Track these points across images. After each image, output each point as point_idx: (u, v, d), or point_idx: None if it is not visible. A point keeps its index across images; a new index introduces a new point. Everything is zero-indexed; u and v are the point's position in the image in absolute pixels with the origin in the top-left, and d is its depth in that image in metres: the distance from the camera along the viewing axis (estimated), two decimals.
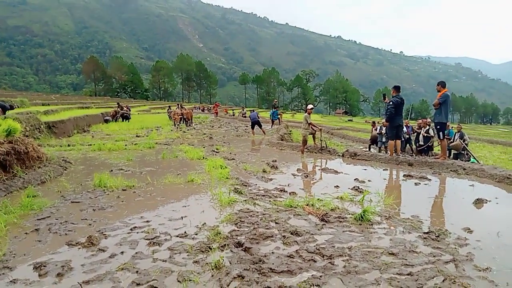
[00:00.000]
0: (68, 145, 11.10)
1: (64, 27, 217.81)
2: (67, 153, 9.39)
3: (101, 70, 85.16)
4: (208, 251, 3.23)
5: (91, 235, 3.52)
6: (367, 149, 13.14)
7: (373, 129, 14.98)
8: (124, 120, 22.56)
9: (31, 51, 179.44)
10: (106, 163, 8.21)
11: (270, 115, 23.51)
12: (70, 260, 3.06)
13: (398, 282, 2.65)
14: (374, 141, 14.65)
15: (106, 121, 21.69)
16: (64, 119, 15.52)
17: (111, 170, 7.16)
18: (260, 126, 16.79)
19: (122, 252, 3.23)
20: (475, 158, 10.67)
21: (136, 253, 3.21)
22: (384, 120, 9.33)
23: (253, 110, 23.05)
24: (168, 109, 28.93)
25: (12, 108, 13.48)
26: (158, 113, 36.77)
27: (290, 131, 18.07)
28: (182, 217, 4.22)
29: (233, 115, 40.92)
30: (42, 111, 16.50)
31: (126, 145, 11.14)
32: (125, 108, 23.93)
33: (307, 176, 6.93)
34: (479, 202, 4.87)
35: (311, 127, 10.52)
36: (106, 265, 2.97)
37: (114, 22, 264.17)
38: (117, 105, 24.54)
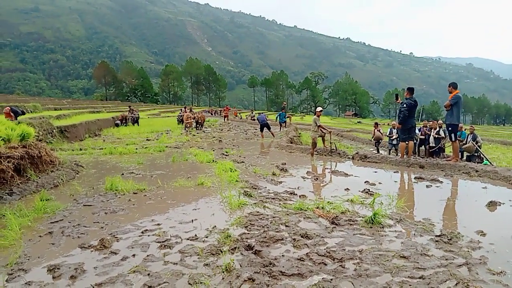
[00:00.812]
0: (80, 149, 11.26)
1: (75, 33, 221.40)
2: (79, 157, 9.53)
3: (111, 74, 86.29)
4: (219, 254, 3.24)
5: (103, 238, 3.57)
6: (376, 151, 13.07)
7: (376, 130, 14.88)
8: (134, 123, 22.80)
9: (43, 57, 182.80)
10: (117, 166, 8.31)
11: (277, 118, 23.31)
12: (83, 262, 3.11)
13: (410, 285, 2.63)
14: (377, 141, 14.70)
15: (117, 125, 21.95)
16: (76, 123, 15.76)
17: (122, 174, 7.24)
18: (269, 129, 16.79)
19: (133, 255, 3.26)
20: (488, 160, 10.50)
21: (148, 255, 3.24)
22: (396, 122, 9.24)
23: (261, 113, 22.89)
24: (180, 112, 27.11)
25: (23, 113, 13.76)
26: (168, 116, 37.06)
27: (300, 133, 18.03)
28: (192, 220, 4.25)
29: (240, 118, 40.47)
30: (55, 116, 16.80)
31: (136, 148, 11.26)
32: (135, 112, 24.14)
33: (317, 178, 6.91)
34: (492, 205, 4.79)
35: (321, 130, 10.49)
36: (118, 268, 3.01)
37: (124, 28, 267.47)
38: (128, 109, 24.81)
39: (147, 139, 14.57)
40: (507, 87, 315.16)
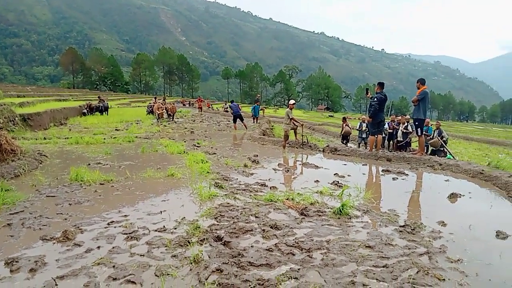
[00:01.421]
0: (44, 138, 10.78)
1: (42, 17, 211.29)
2: (42, 146, 9.13)
3: (79, 62, 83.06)
4: (187, 245, 3.21)
5: (66, 229, 3.43)
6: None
7: (344, 124, 14.71)
8: (102, 113, 22.00)
9: (6, 41, 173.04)
10: (83, 156, 8.02)
11: (252, 111, 23.11)
12: (44, 255, 2.98)
13: (374, 274, 2.70)
14: (345, 137, 14.55)
15: (84, 114, 21.13)
16: (40, 111, 15.07)
17: (89, 164, 7.00)
18: (242, 120, 16.74)
19: (98, 247, 3.17)
20: (451, 154, 10.98)
21: (113, 247, 3.15)
22: (366, 116, 9.44)
23: (232, 101, 22.11)
24: (150, 103, 25.83)
25: None
26: (138, 106, 36.19)
27: (272, 126, 18.10)
28: (161, 211, 4.18)
29: (213, 109, 39.63)
30: (17, 103, 15.98)
31: (104, 138, 10.92)
32: (104, 102, 23.23)
33: (288, 170, 6.97)
34: (453, 197, 5.01)
35: (293, 122, 10.57)
36: (82, 260, 2.91)
37: (93, 13, 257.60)
38: (98, 99, 23.83)
39: (116, 129, 14.18)
40: (471, 85, 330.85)
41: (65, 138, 10.82)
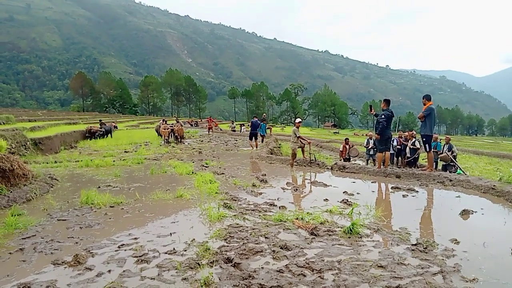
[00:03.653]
0: (55, 162, 10.93)
1: (52, 43, 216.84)
2: (53, 170, 9.24)
3: (89, 85, 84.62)
4: (197, 267, 3.20)
5: (77, 253, 3.46)
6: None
7: (345, 146, 14.24)
8: (105, 136, 20.53)
9: (18, 67, 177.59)
10: (93, 179, 8.11)
11: (258, 130, 23.03)
12: (56, 280, 3.00)
13: None
14: (347, 159, 13.98)
15: (88, 138, 20.09)
16: (51, 135, 15.31)
17: (99, 187, 7.07)
18: (256, 139, 16.63)
19: (109, 271, 3.17)
20: (461, 170, 10.84)
21: (124, 271, 3.16)
22: (375, 133, 9.44)
23: (255, 116, 21.24)
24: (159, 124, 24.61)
25: None
26: (147, 128, 36.55)
27: (280, 144, 18.11)
28: (171, 233, 4.18)
29: (220, 129, 38.59)
30: (29, 128, 16.29)
31: (114, 160, 11.03)
32: (105, 126, 22.29)
33: (296, 189, 6.95)
34: (465, 213, 4.94)
35: (300, 141, 10.60)
36: (93, 284, 2.92)
37: (102, 38, 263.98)
38: (99, 123, 23.42)
39: (125, 151, 14.31)
40: (478, 99, 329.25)
41: (75, 161, 10.95)
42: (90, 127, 21.61)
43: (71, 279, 3.02)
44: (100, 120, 24.67)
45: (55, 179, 7.70)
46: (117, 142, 18.56)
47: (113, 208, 5.43)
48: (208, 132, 31.02)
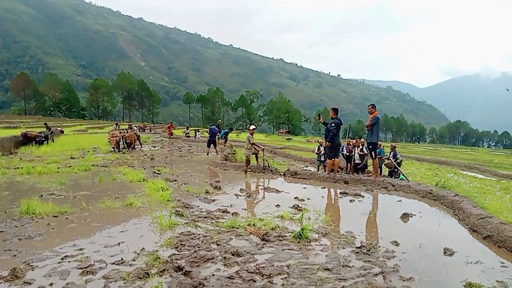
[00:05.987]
0: None
1: None
2: None
3: (32, 87, 79.16)
4: (146, 277, 3.14)
5: (15, 267, 3.24)
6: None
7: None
8: (42, 143, 18.00)
9: None
10: (35, 187, 7.61)
11: (218, 137, 22.83)
12: None
13: None
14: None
15: (24, 144, 17.49)
16: None
17: (41, 195, 6.65)
18: (215, 146, 16.40)
19: (51, 284, 3.02)
20: (404, 175, 11.57)
21: (67, 283, 3.02)
22: (325, 141, 9.79)
23: (213, 124, 20.43)
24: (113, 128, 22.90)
25: None
26: (95, 133, 34.98)
27: (235, 150, 18.17)
28: (119, 243, 4.05)
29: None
30: None
31: (58, 167, 10.43)
32: (55, 128, 20.58)
33: (249, 196, 7.02)
34: (405, 217, 5.30)
35: (254, 147, 10.73)
36: None
37: (48, 38, 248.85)
38: (45, 126, 21.92)
39: (71, 157, 13.57)
40: (421, 108, 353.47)
41: (14, 168, 10.20)
42: (26, 131, 18.94)
43: None
44: (46, 123, 23.11)
45: None
46: (62, 147, 17.49)
47: (57, 218, 5.14)
48: (169, 137, 30.56)
